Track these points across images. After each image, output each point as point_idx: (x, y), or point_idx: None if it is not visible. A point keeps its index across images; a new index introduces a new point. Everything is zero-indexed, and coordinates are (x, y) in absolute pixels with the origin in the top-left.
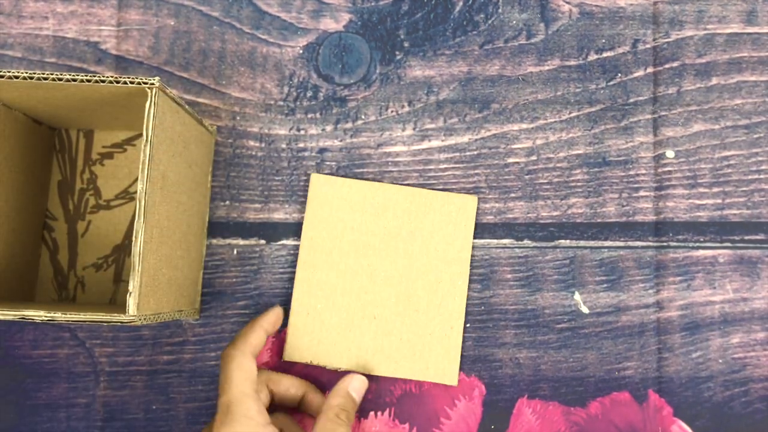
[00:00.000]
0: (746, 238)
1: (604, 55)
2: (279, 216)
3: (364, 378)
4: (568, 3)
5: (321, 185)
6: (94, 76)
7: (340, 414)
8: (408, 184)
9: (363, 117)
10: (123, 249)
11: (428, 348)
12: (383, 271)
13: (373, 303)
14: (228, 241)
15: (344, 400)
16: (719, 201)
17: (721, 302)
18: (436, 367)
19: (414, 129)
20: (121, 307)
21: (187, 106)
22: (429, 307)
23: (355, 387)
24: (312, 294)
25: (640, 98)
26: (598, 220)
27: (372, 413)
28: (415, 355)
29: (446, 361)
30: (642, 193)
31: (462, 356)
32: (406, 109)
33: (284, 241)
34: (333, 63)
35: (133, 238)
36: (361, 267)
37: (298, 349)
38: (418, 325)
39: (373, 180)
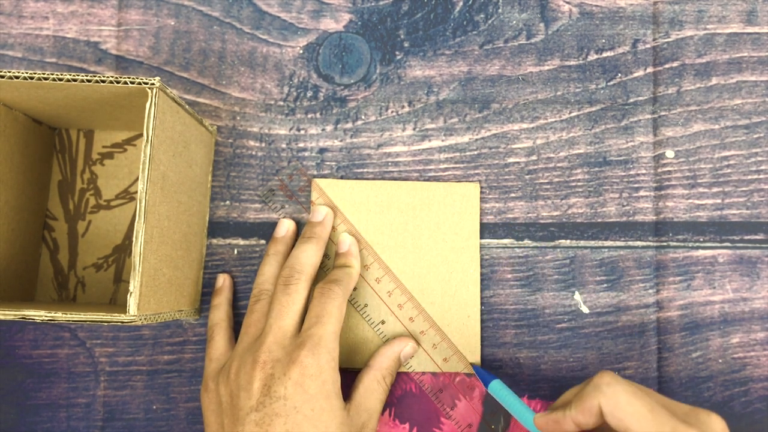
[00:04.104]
0: (746, 238)
1: (604, 55)
2: (279, 216)
3: (415, 344)
4: (568, 3)
5: (323, 189)
6: (95, 76)
7: (386, 378)
8: None
9: (363, 117)
10: (123, 249)
11: (447, 339)
12: (394, 267)
13: (388, 300)
14: (228, 241)
15: (394, 364)
16: (719, 201)
17: (721, 302)
18: (458, 357)
19: (414, 129)
20: (122, 307)
21: (187, 106)
22: (444, 298)
23: (406, 353)
24: None
25: (640, 98)
26: (599, 220)
27: None
28: (435, 348)
29: (467, 350)
30: (642, 193)
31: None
32: (406, 109)
33: None
34: (333, 63)
35: (134, 238)
36: (372, 266)
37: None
38: (435, 318)
39: (373, 180)
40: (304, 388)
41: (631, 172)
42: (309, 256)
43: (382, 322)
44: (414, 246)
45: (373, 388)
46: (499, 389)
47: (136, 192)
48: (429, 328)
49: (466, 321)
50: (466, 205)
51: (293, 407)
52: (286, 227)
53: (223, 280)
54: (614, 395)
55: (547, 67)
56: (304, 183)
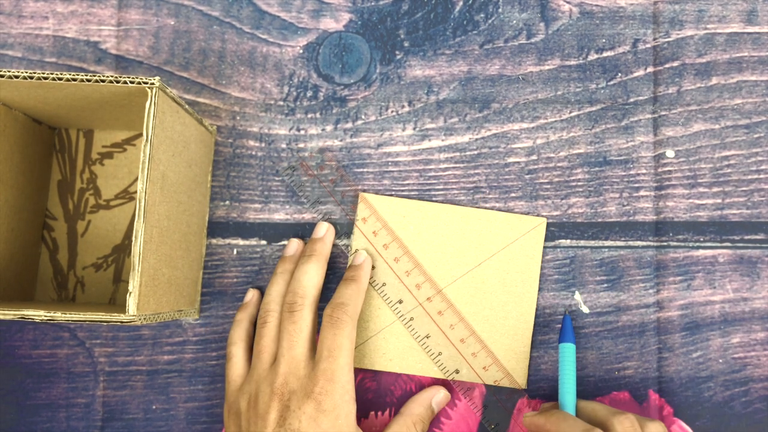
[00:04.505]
0: (746, 237)
1: (604, 54)
2: (279, 216)
3: (448, 393)
4: (568, 3)
5: (371, 203)
6: (94, 76)
7: (417, 424)
8: (408, 184)
9: (363, 117)
10: (123, 249)
11: (496, 355)
12: (450, 290)
13: (442, 315)
14: (228, 241)
15: (426, 411)
16: (719, 201)
17: (721, 302)
18: (504, 372)
19: (414, 129)
20: (121, 307)
21: (187, 106)
22: (497, 318)
23: (438, 400)
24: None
25: (641, 98)
26: (599, 220)
27: (372, 413)
28: (485, 371)
29: (515, 364)
30: (642, 192)
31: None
32: (406, 108)
33: (285, 242)
34: (333, 63)
35: (133, 238)
36: (423, 285)
37: (365, 357)
38: (488, 333)
39: (373, 180)
40: (318, 423)
41: (632, 172)
42: (311, 277)
43: (427, 336)
44: (471, 272)
45: None
46: (567, 353)
47: (136, 192)
48: (480, 350)
49: (518, 336)
50: (530, 240)
51: None
52: (295, 247)
53: (251, 296)
54: None
55: (547, 67)
56: (331, 171)
